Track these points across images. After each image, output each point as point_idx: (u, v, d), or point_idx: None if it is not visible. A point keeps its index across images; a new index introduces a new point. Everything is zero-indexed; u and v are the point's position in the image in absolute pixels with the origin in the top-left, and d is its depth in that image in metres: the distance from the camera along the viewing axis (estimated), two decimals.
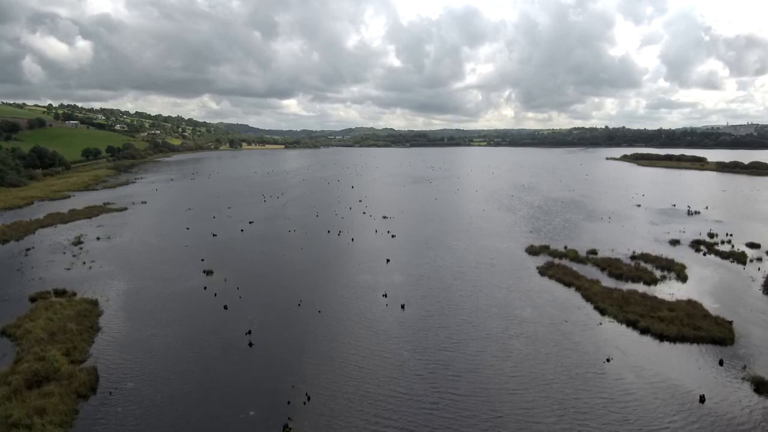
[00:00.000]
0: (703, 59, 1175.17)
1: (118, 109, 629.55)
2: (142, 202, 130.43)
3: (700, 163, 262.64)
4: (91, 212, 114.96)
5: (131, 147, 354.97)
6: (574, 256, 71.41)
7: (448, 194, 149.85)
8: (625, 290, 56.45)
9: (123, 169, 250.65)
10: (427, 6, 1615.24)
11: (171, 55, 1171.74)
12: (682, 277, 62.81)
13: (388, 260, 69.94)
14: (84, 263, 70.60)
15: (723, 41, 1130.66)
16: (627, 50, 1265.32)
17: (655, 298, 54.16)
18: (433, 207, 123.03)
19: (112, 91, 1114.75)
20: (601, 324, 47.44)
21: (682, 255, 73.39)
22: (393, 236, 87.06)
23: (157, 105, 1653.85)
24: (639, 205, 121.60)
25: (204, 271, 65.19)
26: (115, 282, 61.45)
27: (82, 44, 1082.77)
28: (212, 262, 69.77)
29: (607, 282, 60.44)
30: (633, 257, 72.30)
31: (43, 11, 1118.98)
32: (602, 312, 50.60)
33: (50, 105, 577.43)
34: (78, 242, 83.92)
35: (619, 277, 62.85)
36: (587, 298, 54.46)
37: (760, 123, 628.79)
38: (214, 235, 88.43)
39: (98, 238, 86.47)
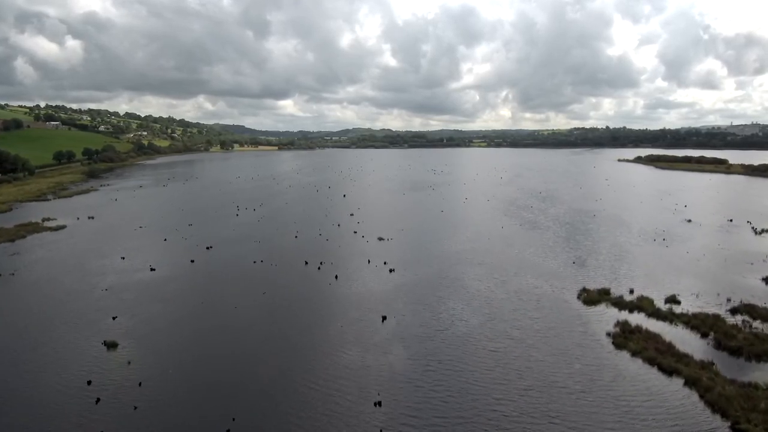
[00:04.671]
0: (702, 58, 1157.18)
1: (106, 110, 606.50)
2: (89, 218, 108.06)
3: (724, 166, 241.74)
4: (18, 232, 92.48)
5: (111, 149, 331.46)
6: (652, 311, 49.53)
7: (455, 205, 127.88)
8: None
9: (96, 173, 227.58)
10: (422, 4, 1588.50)
11: (163, 55, 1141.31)
12: None
13: (384, 318, 47.98)
14: None
15: (722, 40, 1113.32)
16: (625, 50, 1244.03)
17: None
18: (440, 223, 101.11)
19: (106, 92, 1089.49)
20: None
21: None
22: (391, 270, 65.14)
23: (153, 106, 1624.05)
24: (689, 221, 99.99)
25: (105, 343, 43.12)
26: None
27: (72, 44, 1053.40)
28: (126, 322, 47.73)
29: (726, 364, 38.73)
30: (733, 310, 50.67)
31: (31, 10, 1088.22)
32: None
33: (37, 105, 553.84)
34: None
35: (737, 352, 41.00)
36: (715, 407, 32.58)
37: (760, 122, 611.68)
38: (152, 269, 66.29)
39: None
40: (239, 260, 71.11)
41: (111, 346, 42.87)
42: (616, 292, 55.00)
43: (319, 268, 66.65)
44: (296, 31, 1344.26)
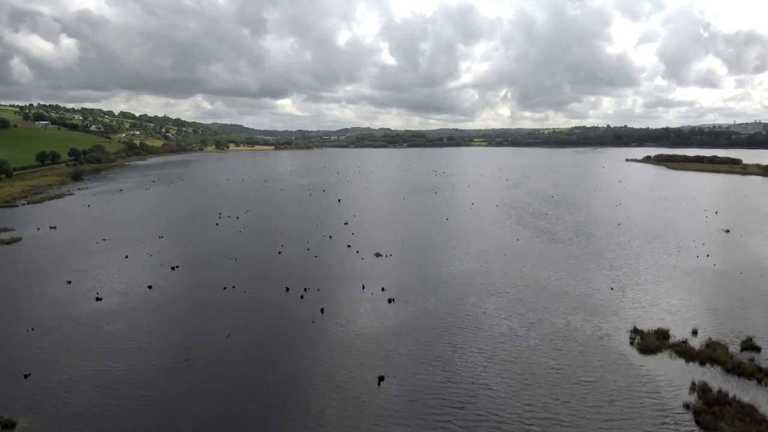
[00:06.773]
0: (702, 56, 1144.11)
1: (100, 109, 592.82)
2: (51, 228, 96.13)
3: (739, 166, 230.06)
4: None
5: (99, 149, 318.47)
6: (732, 365, 37.75)
7: (461, 211, 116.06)
8: None
9: (80, 175, 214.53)
10: (421, 2, 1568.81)
11: (160, 54, 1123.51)
12: None
13: (380, 379, 36.23)
14: None
15: (722, 38, 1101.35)
16: (624, 48, 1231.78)
17: None
18: (446, 235, 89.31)
19: (103, 92, 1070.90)
20: None
21: None
22: (390, 300, 53.45)
23: (151, 106, 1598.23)
24: (727, 231, 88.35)
25: (0, 421, 31.48)
26: None
27: (67, 42, 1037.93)
28: (39, 384, 35.94)
29: None
30: None
31: (25, 9, 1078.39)
32: None
33: (30, 104, 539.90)
34: None
35: None
36: None
37: (762, 121, 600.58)
38: (98, 298, 54.49)
39: None
40: (207, 285, 59.24)
41: (8, 425, 31.18)
42: (676, 333, 43.29)
43: (302, 297, 54.85)
44: (293, 29, 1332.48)
